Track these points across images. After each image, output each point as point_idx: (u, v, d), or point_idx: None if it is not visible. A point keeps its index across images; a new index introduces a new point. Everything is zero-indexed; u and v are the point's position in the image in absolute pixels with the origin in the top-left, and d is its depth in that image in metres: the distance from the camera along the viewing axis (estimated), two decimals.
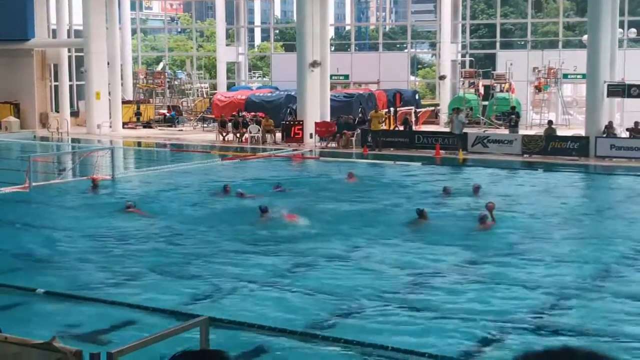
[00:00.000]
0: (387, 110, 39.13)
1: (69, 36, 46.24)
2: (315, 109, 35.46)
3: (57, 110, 43.48)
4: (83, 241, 16.40)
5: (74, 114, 44.86)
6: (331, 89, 39.44)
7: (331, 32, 50.20)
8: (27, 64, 42.67)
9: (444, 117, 40.18)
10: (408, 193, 22.46)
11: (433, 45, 52.19)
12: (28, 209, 20.72)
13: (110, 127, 40.94)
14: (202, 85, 52.08)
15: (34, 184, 23.07)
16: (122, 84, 45.14)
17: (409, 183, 24.61)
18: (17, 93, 42.55)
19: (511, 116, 34.59)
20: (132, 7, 52.74)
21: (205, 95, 50.47)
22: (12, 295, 12.30)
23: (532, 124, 41.32)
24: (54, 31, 45.42)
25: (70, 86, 44.96)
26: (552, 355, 1.26)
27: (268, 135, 36.21)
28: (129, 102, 46.04)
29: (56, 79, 44.10)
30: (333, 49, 48.16)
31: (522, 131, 34.40)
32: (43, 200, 21.59)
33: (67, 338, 9.32)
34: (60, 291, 12.41)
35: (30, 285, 12.60)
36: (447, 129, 33.39)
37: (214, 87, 52.17)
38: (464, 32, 48.93)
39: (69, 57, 44.89)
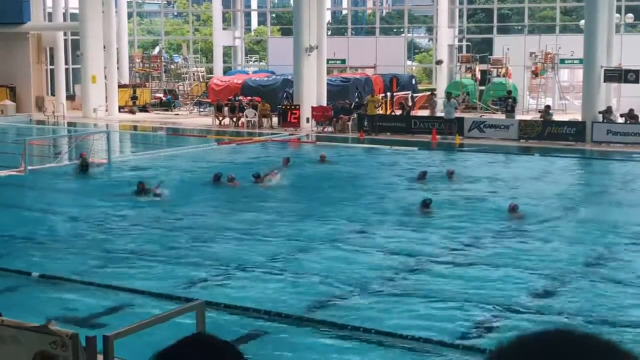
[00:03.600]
0: (383, 95, 39.08)
1: (64, 19, 46.05)
2: (312, 94, 35.38)
3: (53, 94, 43.34)
4: (79, 225, 16.39)
5: (70, 97, 44.73)
6: (328, 73, 39.35)
7: (328, 17, 50.05)
8: (23, 48, 42.51)
9: (440, 102, 40.19)
10: (386, 177, 22.58)
11: (430, 30, 52.01)
12: (24, 192, 20.70)
13: (106, 111, 40.85)
14: (199, 69, 51.93)
15: (29, 167, 23.03)
16: (118, 68, 45.00)
17: (396, 167, 24.75)
18: (13, 76, 42.42)
19: (508, 100, 34.54)
20: None
21: (201, 80, 50.34)
22: (8, 278, 12.30)
23: (528, 109, 41.29)
24: (49, 14, 45.23)
25: (66, 70, 44.79)
26: (546, 337, 1.25)
27: (264, 120, 36.16)
28: (125, 85, 45.93)
29: (52, 63, 43.93)
30: (330, 33, 48.00)
31: (519, 116, 34.39)
32: (39, 183, 21.56)
33: (63, 321, 9.32)
34: (55, 275, 12.41)
35: (26, 269, 12.60)
36: (442, 114, 33.35)
37: (210, 71, 52.04)
38: (461, 16, 48.82)
39: (65, 41, 44.70)
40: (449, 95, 34.47)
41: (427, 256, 13.84)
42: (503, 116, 34.40)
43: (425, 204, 17.64)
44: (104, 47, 41.03)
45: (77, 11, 42.12)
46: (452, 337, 9.77)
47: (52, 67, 43.93)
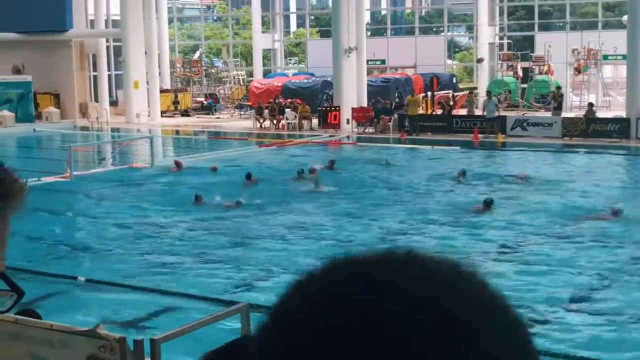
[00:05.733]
0: (424, 94, 38.91)
1: (106, 26, 46.60)
2: (352, 95, 35.35)
3: (96, 100, 43.86)
4: (123, 229, 16.53)
5: (113, 103, 45.23)
6: (368, 74, 39.27)
7: (367, 17, 49.96)
8: (66, 55, 43.03)
9: (481, 100, 39.94)
10: (434, 177, 22.37)
11: (470, 29, 51.70)
12: (70, 198, 20.94)
13: (149, 115, 41.24)
14: (239, 72, 52.19)
15: (75, 173, 23.31)
16: (159, 73, 45.39)
17: (444, 167, 24.51)
18: (57, 83, 42.94)
19: (554, 93, 33.80)
20: None
21: (241, 83, 50.58)
22: (54, 283, 12.45)
23: (572, 106, 40.82)
24: (91, 22, 45.79)
25: (109, 76, 45.33)
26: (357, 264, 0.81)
27: (305, 122, 36.21)
28: (166, 90, 46.31)
29: (95, 69, 44.48)
30: (369, 34, 47.94)
31: (562, 114, 33.98)
32: (84, 189, 21.80)
33: (110, 325, 9.41)
34: (101, 279, 12.53)
35: (72, 274, 12.74)
36: (484, 113, 33.08)
37: (250, 74, 52.26)
38: (501, 14, 48.44)
39: (107, 47, 45.24)
40: (489, 93, 34.28)
41: (482, 254, 13.72)
42: (547, 114, 34.03)
43: (487, 203, 17.48)
44: (145, 53, 41.41)
45: (118, 18, 42.60)
46: None
47: (94, 73, 44.47)
